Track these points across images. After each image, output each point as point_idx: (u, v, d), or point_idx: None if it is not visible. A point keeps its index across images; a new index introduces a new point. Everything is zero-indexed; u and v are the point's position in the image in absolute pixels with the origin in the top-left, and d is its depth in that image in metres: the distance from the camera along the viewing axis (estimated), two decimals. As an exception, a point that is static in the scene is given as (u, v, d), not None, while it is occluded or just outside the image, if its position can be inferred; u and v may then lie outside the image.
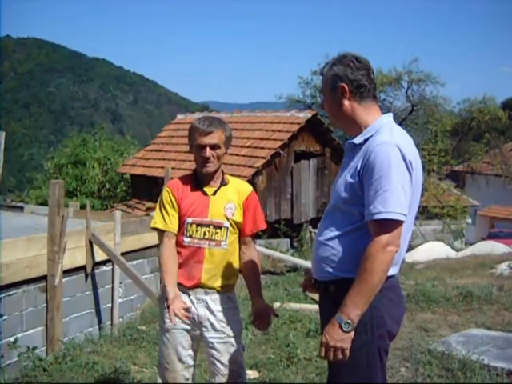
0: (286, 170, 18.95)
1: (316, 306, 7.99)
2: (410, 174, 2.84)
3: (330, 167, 19.86)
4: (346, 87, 3.01)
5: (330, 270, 3.00)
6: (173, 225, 3.75)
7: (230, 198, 3.77)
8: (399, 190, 2.78)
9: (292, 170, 19.09)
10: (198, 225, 3.71)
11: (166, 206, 3.77)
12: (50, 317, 8.01)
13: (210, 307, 3.73)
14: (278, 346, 6.35)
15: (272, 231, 17.48)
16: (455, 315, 7.82)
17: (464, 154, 31.96)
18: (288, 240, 18.19)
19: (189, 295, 3.74)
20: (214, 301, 3.74)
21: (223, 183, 3.79)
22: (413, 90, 29.24)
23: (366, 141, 2.96)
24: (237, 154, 18.42)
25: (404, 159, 2.82)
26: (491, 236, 27.53)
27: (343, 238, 2.97)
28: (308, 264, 11.91)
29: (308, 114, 19.47)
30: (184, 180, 3.84)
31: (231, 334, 3.77)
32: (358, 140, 3.00)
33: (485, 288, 8.96)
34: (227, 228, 3.74)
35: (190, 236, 3.72)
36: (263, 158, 18.08)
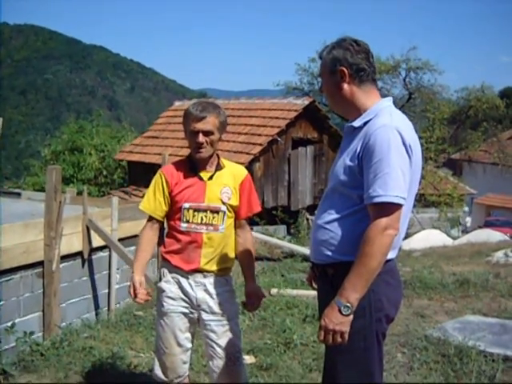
0: (283, 157, 18.94)
1: (313, 292, 8.00)
2: (409, 157, 2.83)
3: (328, 154, 19.85)
4: (346, 71, 3.00)
5: (329, 253, 2.99)
6: (158, 211, 3.79)
7: (226, 183, 3.76)
8: (398, 173, 2.77)
9: (289, 156, 19.09)
10: (195, 210, 3.71)
11: (156, 191, 3.79)
12: (47, 302, 8.01)
13: (208, 290, 3.75)
14: (274, 332, 6.35)
15: (269, 218, 17.49)
16: (452, 302, 7.85)
17: (461, 142, 31.96)
18: (285, 226, 18.21)
19: (187, 278, 3.75)
20: (212, 284, 3.76)
21: (218, 168, 3.78)
22: (410, 78, 29.23)
23: (365, 124, 2.94)
24: (234, 141, 18.41)
25: (404, 142, 2.81)
26: (488, 224, 27.59)
27: (342, 221, 2.96)
28: (305, 250, 11.94)
29: (305, 101, 19.45)
30: (179, 165, 3.82)
31: (229, 316, 3.79)
32: (357, 123, 2.99)
33: (481, 275, 8.99)
34: (224, 212, 3.74)
35: (187, 221, 3.72)
36: (260, 144, 18.07)
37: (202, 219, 3.71)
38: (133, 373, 5.28)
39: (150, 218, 3.84)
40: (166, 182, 3.76)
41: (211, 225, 3.72)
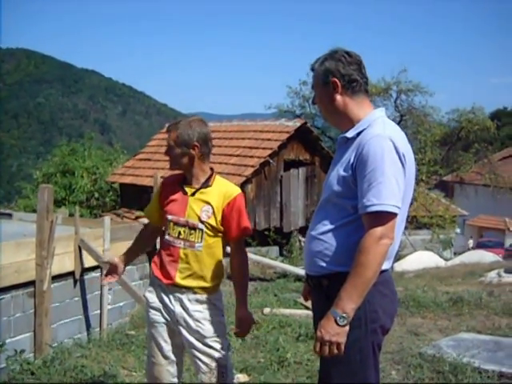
0: (275, 179, 18.94)
1: (306, 311, 7.98)
2: (403, 166, 2.83)
3: (320, 176, 19.83)
4: (338, 82, 3.00)
5: (323, 264, 2.97)
6: (152, 216, 3.98)
7: (209, 201, 3.69)
8: (393, 182, 2.76)
9: (281, 178, 19.09)
10: (175, 223, 3.71)
11: (155, 197, 3.96)
12: (38, 322, 7.95)
13: (185, 306, 3.71)
14: (268, 350, 6.32)
15: (261, 239, 17.46)
16: (445, 320, 7.84)
17: (453, 163, 32.01)
18: (277, 248, 18.17)
19: (166, 292, 3.76)
20: (191, 300, 3.71)
21: (205, 185, 3.73)
22: (401, 100, 29.31)
23: (358, 134, 2.95)
24: (226, 163, 18.40)
25: (397, 152, 2.81)
26: (480, 246, 27.63)
27: (336, 231, 2.94)
28: (297, 270, 11.91)
29: (297, 123, 19.49)
30: (176, 177, 3.87)
31: (208, 334, 3.72)
32: (350, 134, 2.99)
33: (475, 293, 8.99)
34: (202, 230, 3.68)
35: (169, 234, 3.75)
36: (252, 166, 18.06)
37: (179, 233, 3.70)
38: (125, 391, 5.24)
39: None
40: (161, 190, 3.88)
41: (187, 241, 3.69)
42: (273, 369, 5.76)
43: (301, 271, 11.36)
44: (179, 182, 3.80)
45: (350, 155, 2.91)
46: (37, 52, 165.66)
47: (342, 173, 2.92)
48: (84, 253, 8.98)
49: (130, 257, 4.10)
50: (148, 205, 4.02)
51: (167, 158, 3.77)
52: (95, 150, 28.18)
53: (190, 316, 3.70)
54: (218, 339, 3.76)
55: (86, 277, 9.16)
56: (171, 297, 3.74)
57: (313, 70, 3.14)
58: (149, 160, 22.13)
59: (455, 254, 26.34)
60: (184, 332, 3.73)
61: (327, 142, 25.88)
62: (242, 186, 17.38)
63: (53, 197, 8.35)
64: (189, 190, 3.72)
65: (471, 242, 33.20)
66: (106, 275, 4.03)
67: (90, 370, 5.61)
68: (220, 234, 3.74)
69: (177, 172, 3.89)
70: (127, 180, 22.03)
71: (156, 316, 3.79)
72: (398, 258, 18.02)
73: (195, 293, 3.71)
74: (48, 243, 7.97)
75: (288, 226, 19.27)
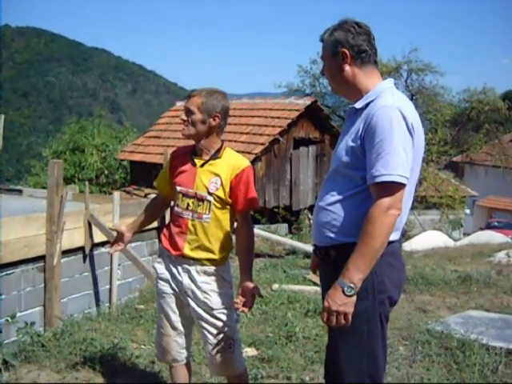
0: (284, 157, 18.94)
1: (315, 288, 8.01)
2: (411, 136, 2.82)
3: (329, 154, 19.80)
4: (347, 52, 2.99)
5: (331, 234, 2.98)
6: (162, 187, 4.00)
7: (218, 172, 3.69)
8: (401, 152, 2.76)
9: (291, 156, 19.08)
10: (184, 195, 3.72)
11: (163, 169, 4.00)
12: (48, 297, 8.00)
13: (193, 277, 3.73)
14: (276, 325, 6.34)
15: (271, 216, 17.50)
16: (454, 298, 7.85)
17: (463, 144, 31.87)
18: (286, 225, 18.20)
19: (175, 263, 3.78)
20: (199, 272, 3.73)
21: (214, 156, 3.73)
22: (412, 80, 29.19)
23: (367, 105, 2.94)
24: (236, 141, 18.40)
25: (406, 122, 2.80)
26: (489, 226, 27.56)
27: (344, 202, 2.95)
28: (307, 247, 11.93)
29: (307, 101, 19.44)
30: (186, 149, 3.88)
31: (216, 306, 3.74)
32: (358, 105, 2.98)
33: (483, 272, 8.98)
34: (210, 202, 3.68)
35: (177, 205, 3.76)
36: (262, 144, 18.07)
37: (188, 205, 3.70)
38: (134, 363, 5.27)
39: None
40: (170, 161, 3.89)
41: (196, 212, 3.69)
42: (281, 343, 5.78)
43: (309, 248, 11.36)
44: (189, 153, 3.79)
45: (358, 126, 2.91)
46: (46, 30, 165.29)
47: (351, 143, 2.92)
48: (94, 228, 9.01)
49: (137, 226, 4.10)
50: (158, 176, 4.02)
51: (182, 121, 3.71)
52: (104, 128, 28.20)
53: (198, 287, 3.72)
54: (225, 311, 3.78)
55: (95, 252, 9.20)
56: (179, 268, 3.76)
57: (322, 40, 3.13)
58: (158, 137, 22.16)
59: (464, 234, 26.29)
60: (192, 303, 3.75)
61: (337, 121, 25.76)
62: (252, 163, 17.13)
63: (62, 172, 8.37)
64: (198, 162, 3.72)
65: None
66: (112, 244, 4.06)
67: (99, 342, 5.64)
68: (228, 207, 3.74)
69: (187, 144, 3.90)
70: (137, 157, 22.07)
71: (164, 287, 3.82)
72: (407, 237, 18.03)
73: (203, 264, 3.72)
74: (58, 218, 8.00)
75: (297, 204, 19.29)
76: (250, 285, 3.71)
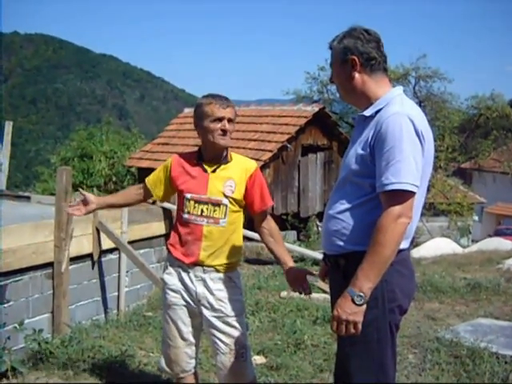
0: (293, 164, 18.89)
1: (324, 295, 7.98)
2: (421, 144, 2.81)
3: (337, 161, 19.75)
4: (357, 59, 2.99)
5: (341, 243, 2.97)
6: (155, 188, 3.93)
7: (231, 176, 3.74)
8: (411, 160, 2.75)
9: (299, 163, 19.04)
10: (196, 201, 3.71)
11: (162, 171, 3.93)
12: (56, 304, 7.99)
13: (208, 285, 3.73)
14: (285, 333, 6.33)
15: (279, 223, 17.46)
16: (463, 305, 7.82)
17: (471, 150, 31.83)
18: (295, 232, 18.15)
19: (188, 272, 3.76)
20: (213, 279, 3.74)
21: (225, 161, 3.77)
22: (420, 86, 29.21)
23: (376, 113, 2.93)
24: (244, 147, 18.36)
25: (415, 130, 2.79)
26: (498, 233, 27.47)
27: (354, 210, 2.94)
28: (315, 254, 11.89)
29: (315, 108, 19.39)
30: (188, 156, 3.88)
31: (230, 313, 3.75)
32: (368, 112, 2.97)
33: (493, 279, 8.95)
34: (226, 205, 3.72)
35: (188, 212, 3.73)
36: (270, 151, 18.02)
37: (202, 211, 3.70)
38: (142, 371, 5.28)
39: (145, 186, 3.98)
40: (171, 167, 3.85)
41: (211, 217, 3.70)
42: (290, 351, 5.77)
43: (318, 255, 11.33)
44: (194, 160, 3.79)
45: (368, 133, 2.90)
46: (55, 37, 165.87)
47: (360, 151, 2.91)
48: (102, 235, 9.00)
49: (105, 204, 4.09)
50: (151, 176, 3.98)
51: (225, 132, 3.70)
52: (113, 135, 28.24)
53: (213, 295, 3.72)
54: (239, 318, 3.81)
55: (103, 259, 9.19)
56: (193, 277, 3.75)
57: (331, 48, 3.13)
58: (167, 144, 22.13)
59: (473, 241, 26.21)
60: (205, 312, 3.75)
61: (345, 128, 25.75)
62: (260, 170, 17.32)
63: (71, 179, 8.37)
64: (208, 168, 3.74)
65: None
66: (74, 206, 3.97)
67: (107, 350, 5.65)
68: (241, 209, 3.81)
69: (186, 151, 3.94)
70: (145, 164, 22.04)
71: (175, 298, 3.80)
72: (416, 244, 17.98)
73: (218, 271, 3.74)
74: (66, 225, 7.99)
75: (305, 211, 19.24)
76: (300, 269, 3.87)
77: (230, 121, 3.70)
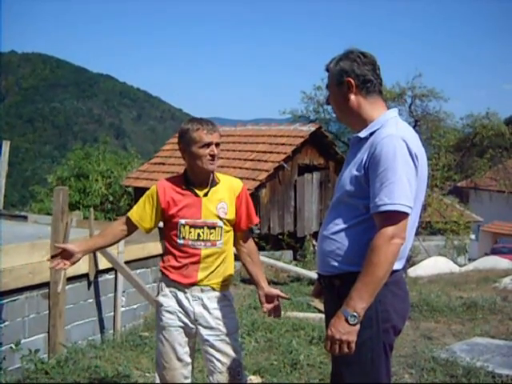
0: (289, 183, 18.93)
1: (320, 315, 7.98)
2: (415, 166, 2.84)
3: (334, 181, 19.77)
4: (353, 82, 3.03)
5: (335, 263, 2.99)
6: (144, 221, 3.84)
7: (222, 198, 3.80)
8: (405, 182, 2.77)
9: (295, 183, 19.08)
10: (192, 226, 3.74)
11: (147, 203, 3.85)
12: (52, 324, 7.96)
13: (205, 305, 3.77)
14: (281, 353, 6.32)
15: (275, 243, 17.46)
16: (459, 324, 7.82)
17: (467, 169, 31.83)
18: (291, 252, 18.14)
19: (185, 292, 3.78)
20: (210, 298, 3.78)
21: (214, 183, 3.81)
22: (416, 106, 29.25)
23: (371, 134, 2.97)
24: (240, 167, 18.42)
25: (410, 152, 2.82)
26: (494, 252, 27.47)
27: (348, 231, 2.96)
28: (311, 274, 11.89)
29: (311, 128, 19.47)
30: (174, 181, 3.86)
31: (227, 331, 3.79)
32: (363, 134, 3.01)
33: (489, 298, 8.95)
34: (221, 227, 3.78)
35: (184, 238, 3.75)
36: (266, 171, 18.06)
37: (198, 235, 3.74)
38: (138, 391, 5.26)
39: (129, 221, 3.86)
40: (157, 196, 3.80)
41: (209, 241, 3.75)
42: (286, 371, 5.77)
43: (314, 275, 11.32)
44: (182, 185, 3.81)
45: (362, 155, 2.93)
46: (52, 56, 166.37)
47: (355, 172, 2.94)
48: (98, 255, 9.00)
49: (92, 248, 3.99)
50: (134, 209, 3.89)
51: (214, 157, 3.72)
52: (109, 154, 28.26)
53: (210, 314, 3.76)
54: (234, 336, 3.85)
55: (100, 279, 9.17)
56: (190, 297, 3.77)
57: (327, 70, 3.17)
58: (163, 164, 22.17)
59: (470, 260, 26.20)
60: (203, 331, 3.77)
61: (341, 147, 25.80)
62: (257, 190, 17.41)
63: (68, 199, 8.38)
64: (200, 192, 3.77)
65: None
66: (54, 257, 3.79)
67: (103, 370, 5.64)
68: (231, 228, 3.87)
69: (168, 176, 3.96)
70: (141, 184, 22.06)
71: (171, 320, 3.81)
72: (412, 263, 17.98)
73: (214, 289, 3.79)
74: (63, 245, 7.99)
75: (302, 231, 19.25)
76: (274, 290, 3.91)
77: (217, 145, 3.74)
